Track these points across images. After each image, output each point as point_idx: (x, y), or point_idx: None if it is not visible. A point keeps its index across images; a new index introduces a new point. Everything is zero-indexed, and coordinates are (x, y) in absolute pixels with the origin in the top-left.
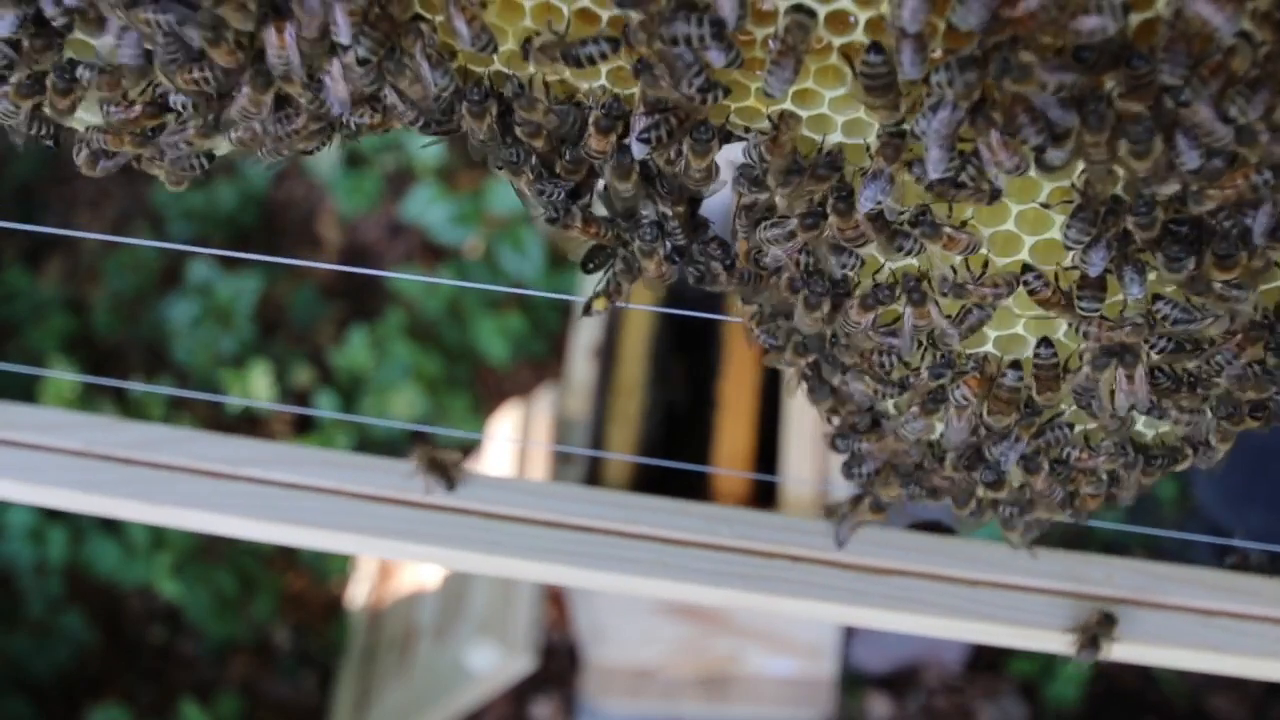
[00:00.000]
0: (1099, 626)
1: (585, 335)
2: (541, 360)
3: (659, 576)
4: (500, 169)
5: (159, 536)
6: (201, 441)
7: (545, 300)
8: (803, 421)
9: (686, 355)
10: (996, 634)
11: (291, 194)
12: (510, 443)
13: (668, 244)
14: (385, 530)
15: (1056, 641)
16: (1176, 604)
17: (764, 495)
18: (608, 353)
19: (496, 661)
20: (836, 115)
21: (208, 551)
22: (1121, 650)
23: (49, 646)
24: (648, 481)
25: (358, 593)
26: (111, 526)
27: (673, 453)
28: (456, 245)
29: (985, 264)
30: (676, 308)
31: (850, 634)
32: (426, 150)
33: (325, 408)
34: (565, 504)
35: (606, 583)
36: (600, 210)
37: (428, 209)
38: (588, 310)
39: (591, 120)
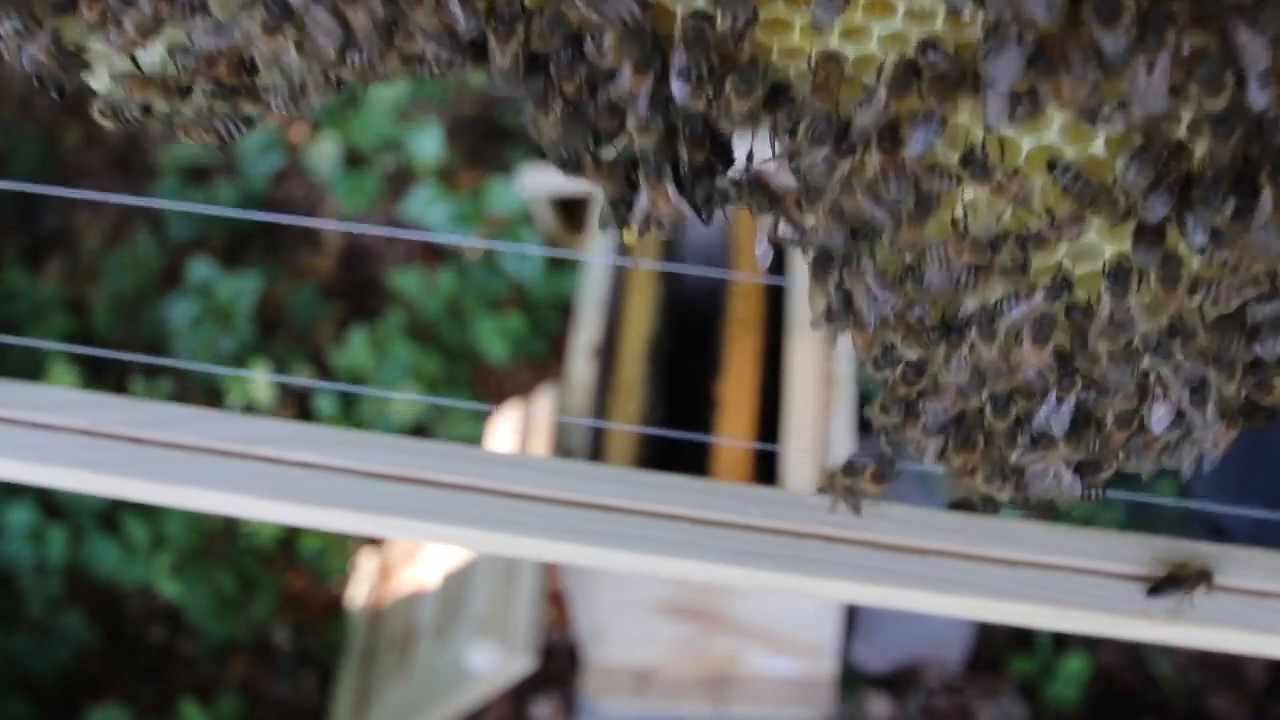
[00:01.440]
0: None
1: (585, 335)
2: (541, 360)
3: (688, 557)
4: (527, 105)
5: (159, 536)
6: (214, 420)
7: (545, 300)
8: (803, 421)
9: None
10: (1036, 615)
11: (291, 194)
12: (511, 433)
13: (675, 175)
14: (405, 510)
15: (1097, 623)
16: (1229, 585)
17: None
18: (608, 353)
19: (496, 661)
20: (885, 54)
21: (207, 551)
22: (1171, 632)
23: (49, 646)
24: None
25: (358, 593)
26: (111, 526)
27: (673, 453)
28: (457, 245)
29: (1050, 210)
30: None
31: (850, 633)
32: (427, 150)
33: (325, 408)
34: (590, 483)
35: (633, 564)
36: (609, 154)
37: (428, 209)
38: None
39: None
